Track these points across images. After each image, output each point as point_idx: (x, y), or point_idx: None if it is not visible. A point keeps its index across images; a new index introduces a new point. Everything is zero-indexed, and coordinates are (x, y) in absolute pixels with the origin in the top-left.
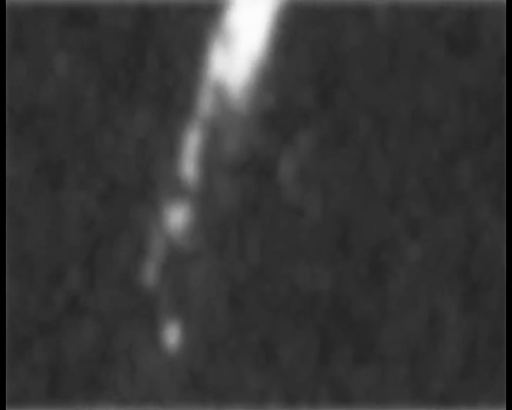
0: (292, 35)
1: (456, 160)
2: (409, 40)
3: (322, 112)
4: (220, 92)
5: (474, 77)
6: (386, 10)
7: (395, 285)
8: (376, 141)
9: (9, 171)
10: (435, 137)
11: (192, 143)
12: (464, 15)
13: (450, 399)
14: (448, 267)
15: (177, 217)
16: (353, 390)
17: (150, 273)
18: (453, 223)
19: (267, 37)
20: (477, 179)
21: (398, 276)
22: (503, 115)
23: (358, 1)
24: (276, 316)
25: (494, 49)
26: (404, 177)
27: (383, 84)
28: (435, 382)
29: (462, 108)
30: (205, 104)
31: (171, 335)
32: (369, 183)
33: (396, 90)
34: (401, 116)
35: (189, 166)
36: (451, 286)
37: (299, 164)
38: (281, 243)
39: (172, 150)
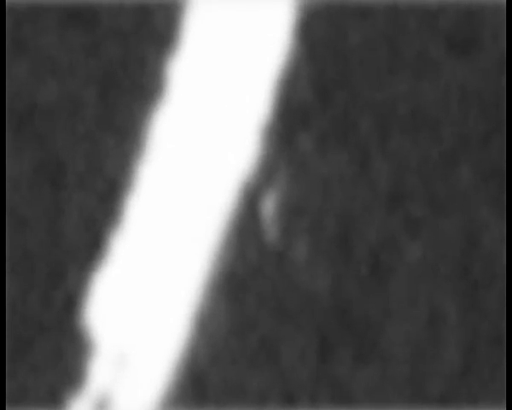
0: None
1: (456, 160)
2: (409, 40)
3: (322, 112)
4: None
5: (474, 77)
6: (386, 10)
7: (395, 285)
8: (376, 141)
9: (9, 171)
10: (435, 137)
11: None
12: (464, 15)
13: (450, 399)
14: (448, 267)
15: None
16: (353, 390)
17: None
18: (453, 223)
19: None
20: (477, 180)
21: (398, 276)
22: (503, 115)
23: (358, 1)
24: (276, 316)
25: (494, 49)
26: (404, 177)
27: (383, 84)
28: (435, 382)
29: (462, 108)
30: None
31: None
32: (369, 183)
33: (396, 90)
34: (401, 116)
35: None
36: (451, 286)
37: (299, 164)
38: (280, 244)
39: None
